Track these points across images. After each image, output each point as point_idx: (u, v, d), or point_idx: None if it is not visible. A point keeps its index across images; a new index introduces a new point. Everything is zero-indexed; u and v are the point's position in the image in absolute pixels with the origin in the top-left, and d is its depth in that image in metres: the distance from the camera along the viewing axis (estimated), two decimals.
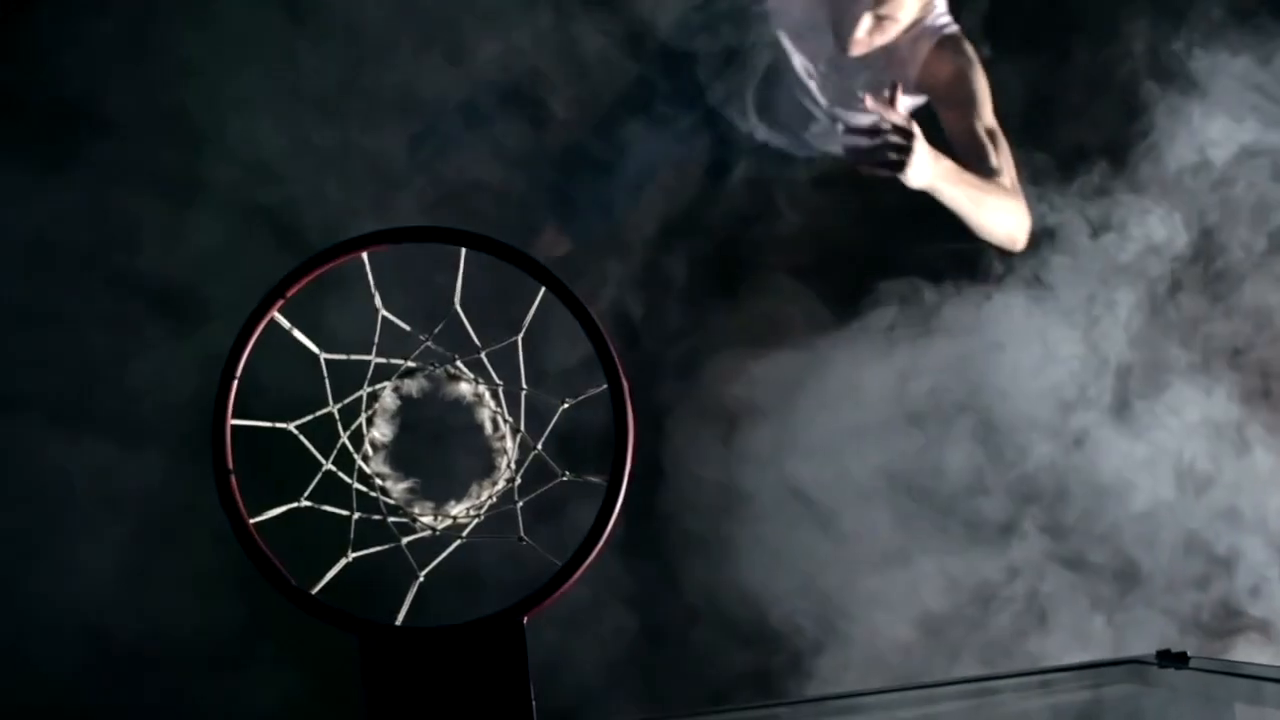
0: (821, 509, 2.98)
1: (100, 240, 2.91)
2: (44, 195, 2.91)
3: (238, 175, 2.90)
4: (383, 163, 2.91)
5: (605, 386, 1.94)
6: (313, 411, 2.00)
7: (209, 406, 1.98)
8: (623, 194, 3.15)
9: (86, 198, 2.89)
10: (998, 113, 3.08)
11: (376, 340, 2.02)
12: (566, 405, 2.05)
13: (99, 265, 2.90)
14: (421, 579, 1.99)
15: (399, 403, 2.05)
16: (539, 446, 2.05)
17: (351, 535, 1.99)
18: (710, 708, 2.84)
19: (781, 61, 3.16)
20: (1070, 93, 3.22)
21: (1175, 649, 2.24)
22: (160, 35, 2.98)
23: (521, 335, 2.05)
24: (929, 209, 2.95)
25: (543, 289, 1.97)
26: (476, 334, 2.04)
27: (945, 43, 3.12)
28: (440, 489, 2.07)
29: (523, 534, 2.04)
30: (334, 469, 2.01)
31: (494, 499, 2.05)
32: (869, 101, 2.83)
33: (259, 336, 1.93)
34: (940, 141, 2.99)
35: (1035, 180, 3.08)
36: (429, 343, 2.04)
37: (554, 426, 2.04)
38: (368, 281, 1.99)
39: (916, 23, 3.12)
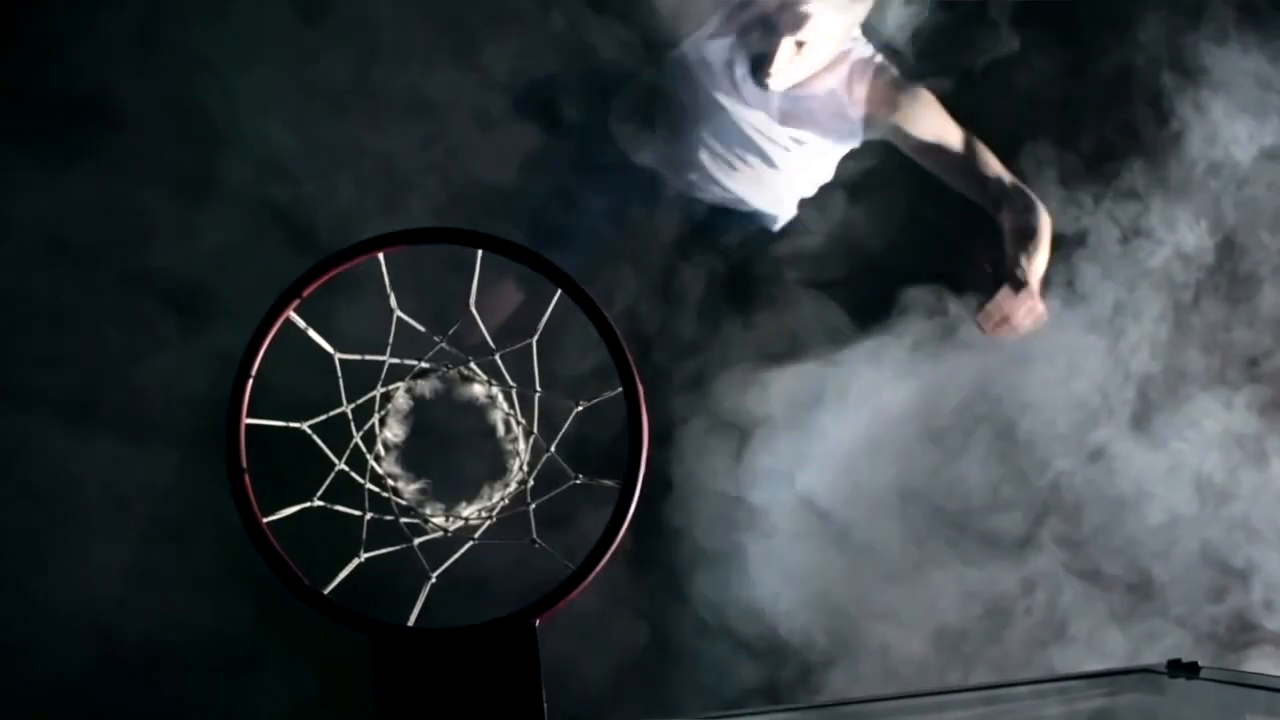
0: (835, 522, 2.99)
1: (111, 236, 2.92)
2: (55, 190, 2.92)
3: (250, 173, 2.91)
4: (395, 162, 2.93)
5: (620, 389, 1.97)
6: (314, 413, 2.03)
7: (220, 405, 2.01)
8: (637, 200, 3.18)
9: (97, 193, 2.90)
10: (1022, 114, 3.09)
11: (391, 340, 2.06)
12: (580, 408, 2.09)
13: (110, 261, 2.92)
14: (434, 579, 2.03)
15: (411, 403, 2.09)
16: (552, 449, 2.09)
17: (364, 535, 2.02)
18: (719, 712, 2.87)
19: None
20: (1094, 93, 3.20)
21: (1192, 661, 2.26)
22: (172, 30, 3.00)
23: (536, 338, 2.08)
24: (960, 218, 3.01)
25: (559, 291, 2.01)
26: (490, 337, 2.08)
27: (880, 74, 3.06)
28: (451, 490, 2.11)
29: (535, 536, 2.07)
30: (346, 469, 2.05)
31: (506, 501, 2.09)
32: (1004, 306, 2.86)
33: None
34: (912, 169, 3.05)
35: (1063, 182, 3.07)
36: (443, 344, 2.08)
37: (566, 434, 2.08)
38: (379, 282, 2.03)
39: (843, 56, 3.04)
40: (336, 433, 2.06)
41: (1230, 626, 2.96)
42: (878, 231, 3.18)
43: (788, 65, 2.99)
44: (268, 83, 2.93)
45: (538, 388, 2.09)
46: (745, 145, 3.09)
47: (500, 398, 2.10)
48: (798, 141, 3.11)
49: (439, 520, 2.06)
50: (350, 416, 2.05)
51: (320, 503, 2.03)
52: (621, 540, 1.96)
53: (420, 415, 2.10)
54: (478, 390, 2.11)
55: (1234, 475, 2.98)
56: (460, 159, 3.01)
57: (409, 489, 2.08)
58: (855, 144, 3.12)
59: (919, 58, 3.09)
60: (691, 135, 3.09)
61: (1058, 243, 3.01)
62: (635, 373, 1.97)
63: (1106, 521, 2.97)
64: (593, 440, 2.14)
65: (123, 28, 2.98)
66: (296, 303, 1.96)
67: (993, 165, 3.06)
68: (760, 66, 3.00)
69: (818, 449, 3.00)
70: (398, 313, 2.06)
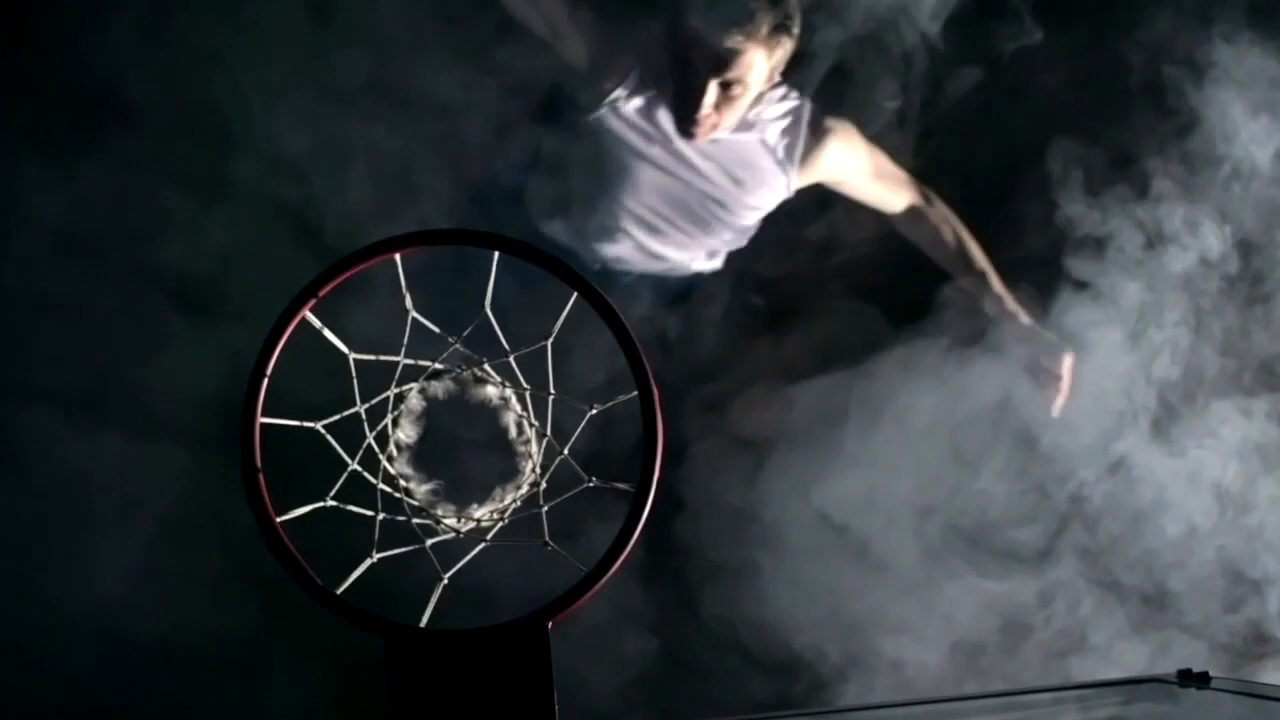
0: (849, 533, 3.01)
1: (121, 232, 2.94)
2: (64, 187, 2.94)
3: (260, 170, 2.94)
4: (408, 162, 2.95)
5: (635, 393, 2.00)
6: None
7: (230, 405, 2.04)
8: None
9: (107, 190, 2.93)
10: (1044, 107, 3.10)
11: (405, 341, 2.09)
12: (594, 411, 2.11)
13: (119, 258, 2.94)
14: (446, 580, 2.05)
15: (424, 404, 2.12)
16: (565, 451, 2.12)
17: (376, 536, 2.05)
18: (732, 718, 2.89)
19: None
20: (1115, 93, 3.19)
21: (1203, 670, 2.28)
22: (183, 26, 3.02)
23: (551, 340, 2.11)
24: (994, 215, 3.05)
25: (575, 294, 2.04)
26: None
27: (808, 122, 3.05)
28: (463, 492, 2.13)
29: (547, 538, 2.10)
30: (359, 469, 2.08)
31: (518, 503, 2.11)
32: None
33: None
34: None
35: (1089, 182, 3.07)
36: (457, 345, 2.10)
37: (582, 448, 2.10)
38: (393, 283, 2.05)
39: (767, 105, 2.99)
40: (345, 433, 2.09)
41: (1246, 638, 2.97)
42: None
43: (715, 111, 2.91)
44: (279, 79, 2.95)
45: (551, 390, 2.12)
46: (672, 205, 3.03)
47: (514, 400, 2.12)
48: (724, 200, 3.05)
49: (450, 521, 2.09)
50: (364, 417, 2.08)
51: (333, 502, 2.05)
52: (635, 543, 1.98)
53: (433, 416, 2.12)
54: (491, 392, 2.13)
55: (1253, 484, 2.99)
56: (475, 159, 3.02)
57: (420, 490, 2.10)
58: (787, 195, 3.09)
59: (949, 47, 3.08)
60: (612, 202, 3.01)
61: (1081, 243, 3.02)
62: (650, 375, 1.99)
63: (1125, 532, 2.98)
64: (608, 455, 2.15)
65: (133, 23, 3.00)
66: (313, 302, 1.98)
67: (925, 199, 3.13)
68: (686, 114, 2.92)
69: (836, 462, 3.02)
70: (413, 313, 2.09)
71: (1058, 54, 3.13)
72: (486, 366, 2.12)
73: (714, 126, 2.95)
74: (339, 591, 1.97)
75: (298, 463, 2.02)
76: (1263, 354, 3.08)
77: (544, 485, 2.11)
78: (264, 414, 1.98)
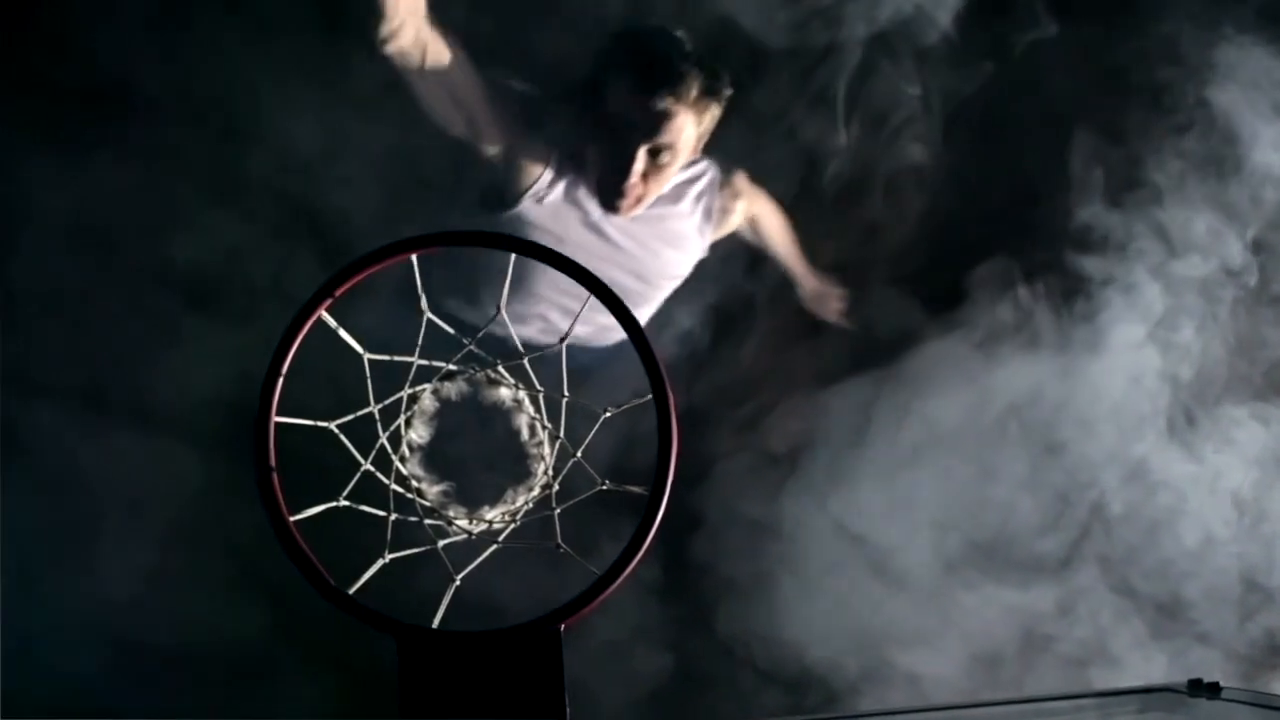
0: (867, 544, 3.01)
1: (131, 229, 2.95)
2: (74, 182, 2.95)
3: (272, 167, 2.94)
4: (424, 161, 2.96)
5: (649, 396, 2.02)
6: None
7: (239, 406, 2.06)
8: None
9: (117, 185, 2.93)
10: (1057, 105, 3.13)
11: (420, 342, 2.11)
12: (608, 414, 2.14)
13: (129, 256, 2.94)
14: (458, 582, 2.08)
15: (437, 405, 2.14)
16: (579, 454, 2.14)
17: (388, 536, 2.07)
18: None
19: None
20: (1134, 92, 3.19)
21: (1222, 681, 2.29)
22: (195, 20, 3.03)
23: (565, 343, 2.14)
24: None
25: (589, 297, 2.06)
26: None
27: (723, 190, 3.08)
28: (475, 494, 2.16)
29: (559, 541, 2.12)
30: (372, 469, 2.10)
31: (530, 505, 2.14)
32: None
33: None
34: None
35: (1108, 184, 3.08)
36: (471, 346, 2.13)
37: (602, 458, 2.12)
38: (413, 284, 2.08)
39: (689, 181, 3.00)
40: (356, 434, 2.11)
41: (1263, 647, 2.98)
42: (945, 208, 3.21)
43: (642, 181, 2.87)
44: (294, 74, 2.95)
45: (565, 392, 2.15)
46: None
47: (527, 401, 2.15)
48: (646, 275, 3.03)
49: (462, 523, 2.11)
50: (377, 417, 2.10)
51: (346, 502, 2.08)
52: (648, 552, 2.00)
53: (446, 417, 2.15)
54: (504, 394, 2.16)
55: (1270, 492, 3.00)
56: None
57: (432, 491, 2.13)
58: (702, 255, 3.11)
59: (962, 39, 3.07)
60: (527, 294, 2.91)
61: (1103, 245, 3.04)
62: (665, 379, 2.02)
63: (1142, 541, 2.99)
64: (634, 470, 2.17)
65: (144, 18, 3.00)
66: (329, 302, 2.01)
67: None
68: (612, 186, 2.87)
69: (856, 470, 3.03)
70: (428, 314, 2.11)
71: (1073, 50, 3.15)
72: (500, 368, 2.14)
73: (639, 200, 2.91)
74: (351, 591, 1.99)
75: (299, 463, 2.04)
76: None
77: (556, 487, 2.14)
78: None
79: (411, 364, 2.10)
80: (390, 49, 2.59)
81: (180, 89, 2.99)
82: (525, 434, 2.16)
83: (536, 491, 2.14)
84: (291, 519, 1.99)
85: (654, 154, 2.85)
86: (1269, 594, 3.00)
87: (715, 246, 3.17)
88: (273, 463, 1.99)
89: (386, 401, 2.10)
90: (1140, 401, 3.01)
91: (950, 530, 3.01)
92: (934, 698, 2.93)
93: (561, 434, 2.14)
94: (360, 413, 2.10)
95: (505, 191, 2.90)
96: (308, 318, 2.00)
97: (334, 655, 2.87)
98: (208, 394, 2.90)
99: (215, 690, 2.93)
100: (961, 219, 3.20)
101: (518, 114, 2.86)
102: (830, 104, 3.07)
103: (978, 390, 3.02)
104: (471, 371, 2.14)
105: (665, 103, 2.80)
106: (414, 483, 2.11)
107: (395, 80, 2.71)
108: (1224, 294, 3.04)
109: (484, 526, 2.12)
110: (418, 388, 2.12)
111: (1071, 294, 3.06)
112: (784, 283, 3.31)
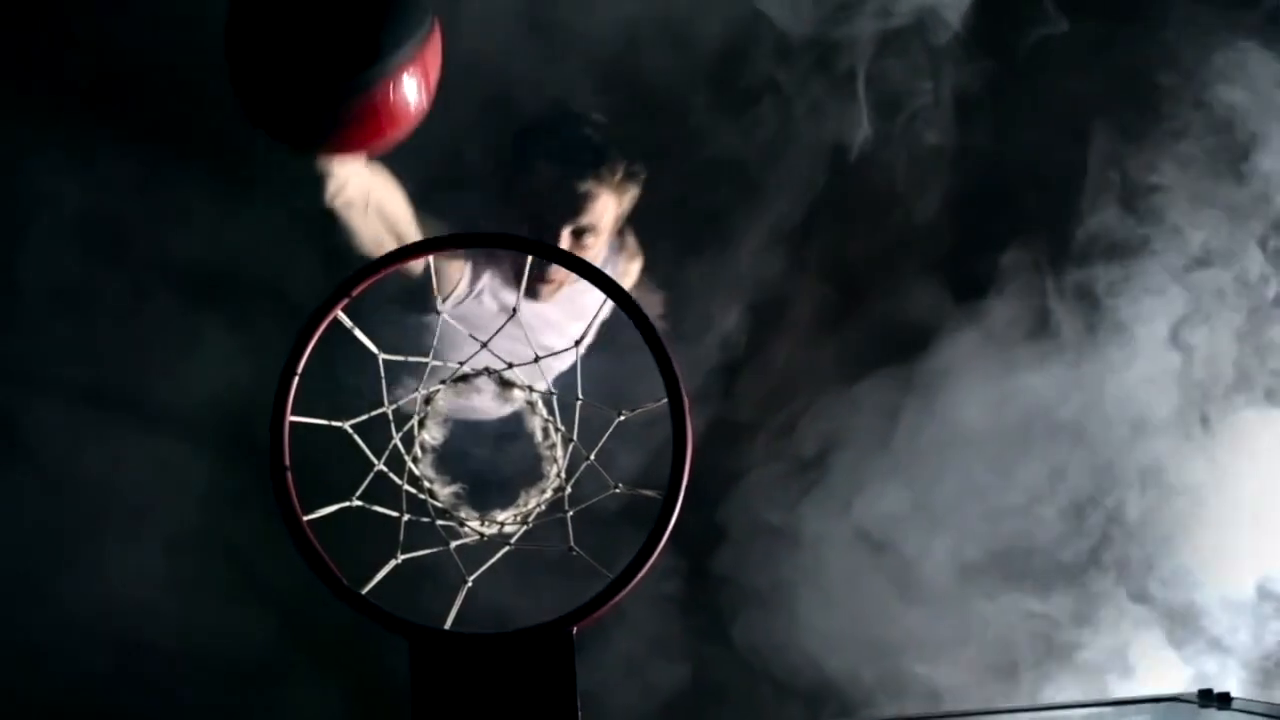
0: (887, 551, 3.02)
1: (139, 226, 2.96)
2: (80, 176, 2.96)
3: (289, 163, 2.94)
4: (444, 161, 2.96)
5: (664, 400, 2.04)
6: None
7: (250, 407, 2.06)
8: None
9: (129, 181, 2.94)
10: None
11: (435, 343, 2.13)
12: (622, 417, 2.15)
13: (138, 248, 2.95)
14: (470, 583, 2.09)
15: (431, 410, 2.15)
16: (592, 457, 2.16)
17: (401, 537, 2.09)
18: None
19: None
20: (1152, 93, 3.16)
21: (1239, 689, 2.30)
22: (209, 11, 3.02)
23: (581, 347, 2.16)
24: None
25: (605, 299, 2.08)
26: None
27: (619, 255, 3.07)
28: (487, 495, 2.17)
29: (572, 543, 2.14)
30: (385, 469, 2.11)
31: (542, 507, 2.15)
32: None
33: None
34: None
35: (1124, 185, 3.10)
36: (485, 346, 2.15)
37: (625, 465, 2.13)
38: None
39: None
40: (370, 435, 2.13)
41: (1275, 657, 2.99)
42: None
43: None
44: None
45: (579, 395, 2.16)
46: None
47: (540, 403, 2.16)
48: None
49: (474, 524, 2.12)
50: (390, 417, 2.12)
51: (359, 502, 2.09)
52: (662, 550, 2.02)
53: (459, 419, 2.16)
54: (517, 395, 2.17)
55: None
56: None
57: (444, 492, 2.14)
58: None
59: (970, 35, 3.08)
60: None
61: (1121, 250, 3.05)
62: (680, 383, 2.03)
63: (1159, 548, 3.00)
64: (659, 480, 2.18)
65: (155, 8, 3.01)
66: (345, 302, 2.02)
67: None
68: (535, 271, 2.78)
69: (879, 474, 3.05)
70: (445, 316, 2.13)
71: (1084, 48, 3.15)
72: (515, 370, 2.16)
73: (561, 284, 2.93)
74: (364, 591, 2.00)
75: (306, 463, 2.05)
76: None
77: (569, 490, 2.15)
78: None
79: (425, 364, 2.12)
80: (337, 204, 2.58)
81: (189, 84, 2.99)
82: (539, 436, 2.17)
83: (549, 494, 2.15)
84: (305, 519, 2.00)
85: (577, 235, 2.89)
86: None
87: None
88: (287, 462, 2.00)
89: (400, 402, 2.12)
90: (1158, 405, 3.02)
91: (969, 538, 3.02)
92: (950, 707, 2.94)
93: (574, 436, 2.16)
94: (374, 412, 2.11)
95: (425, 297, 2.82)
96: (324, 317, 2.01)
97: (343, 662, 2.87)
98: (217, 393, 2.90)
99: (224, 695, 2.94)
100: (980, 214, 3.21)
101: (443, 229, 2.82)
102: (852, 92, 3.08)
103: (998, 393, 3.03)
104: (485, 373, 2.15)
105: (589, 184, 2.85)
106: (426, 484, 2.12)
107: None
108: (1239, 300, 3.05)
109: (496, 529, 2.13)
110: (432, 389, 2.13)
111: (1087, 297, 3.08)
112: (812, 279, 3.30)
